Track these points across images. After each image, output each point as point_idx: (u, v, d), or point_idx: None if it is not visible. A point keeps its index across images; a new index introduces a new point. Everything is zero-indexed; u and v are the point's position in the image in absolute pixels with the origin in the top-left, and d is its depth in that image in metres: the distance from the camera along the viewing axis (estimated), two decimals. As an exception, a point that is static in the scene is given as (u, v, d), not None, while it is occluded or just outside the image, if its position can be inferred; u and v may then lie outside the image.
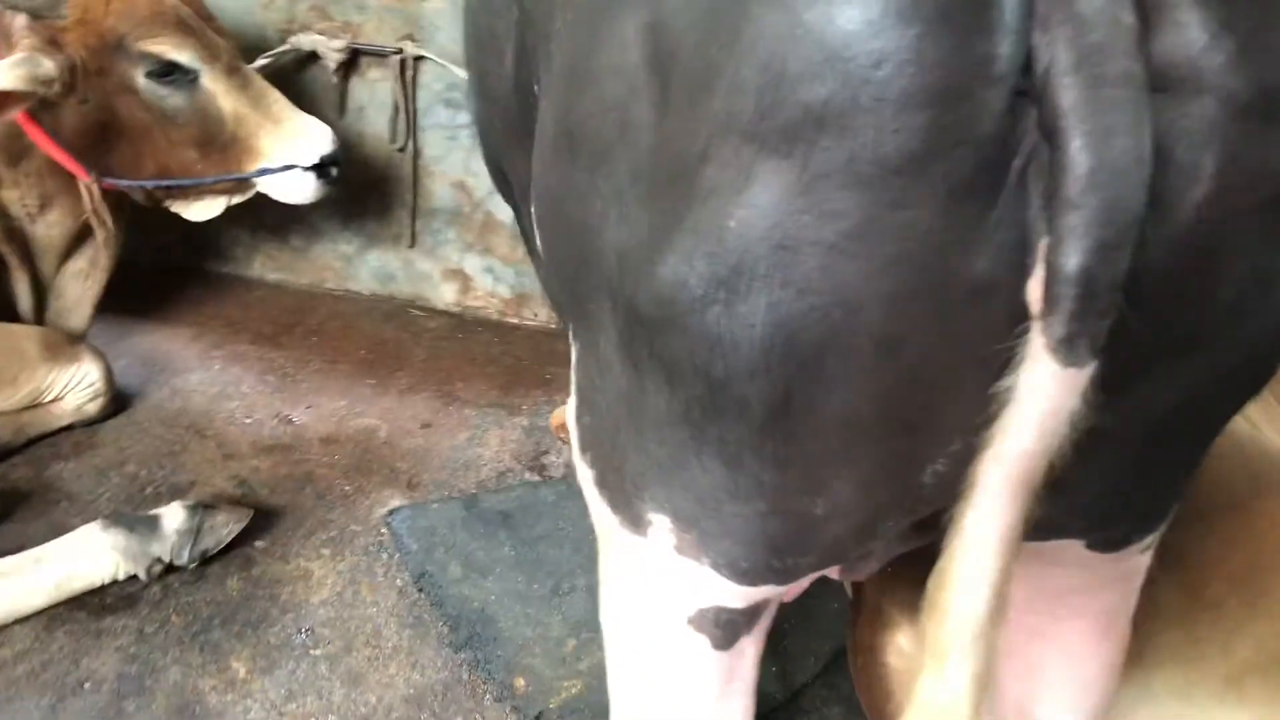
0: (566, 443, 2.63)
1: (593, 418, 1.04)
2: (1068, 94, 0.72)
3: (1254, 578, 1.50)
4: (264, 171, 2.38)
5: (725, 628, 1.04)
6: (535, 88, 1.12)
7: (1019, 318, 0.80)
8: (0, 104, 1.97)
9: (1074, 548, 1.07)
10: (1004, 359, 0.82)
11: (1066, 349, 0.76)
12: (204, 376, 2.75)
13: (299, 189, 2.43)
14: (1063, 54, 0.72)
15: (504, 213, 3.08)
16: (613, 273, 0.92)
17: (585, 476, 1.07)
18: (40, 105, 2.11)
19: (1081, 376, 0.78)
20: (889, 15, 0.72)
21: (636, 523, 1.01)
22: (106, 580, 1.95)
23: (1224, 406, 1.01)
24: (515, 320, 3.22)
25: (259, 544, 2.15)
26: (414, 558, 2.17)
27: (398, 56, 2.87)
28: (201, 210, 2.51)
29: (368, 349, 2.97)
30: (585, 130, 0.93)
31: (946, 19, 0.72)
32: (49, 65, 2.04)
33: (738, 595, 1.01)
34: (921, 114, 0.74)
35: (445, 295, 3.23)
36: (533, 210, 1.11)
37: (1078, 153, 0.72)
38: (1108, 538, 1.09)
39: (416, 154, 3.04)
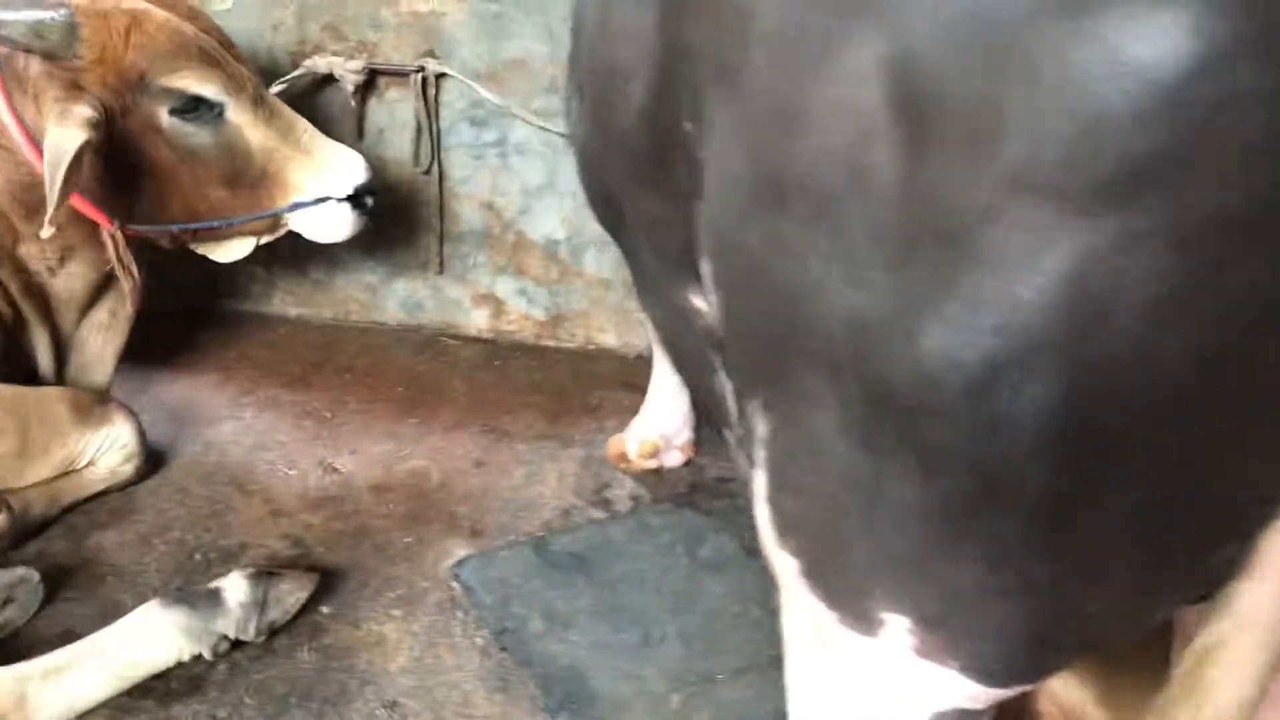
0: (627, 473, 2.50)
1: (798, 502, 0.91)
2: None
3: None
4: (296, 206, 2.23)
5: None
6: (688, 126, 0.98)
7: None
8: (79, 160, 1.83)
9: None
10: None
11: None
12: (237, 426, 2.60)
13: (334, 223, 2.29)
14: None
15: (536, 232, 2.95)
16: (839, 343, 0.79)
17: (786, 565, 0.95)
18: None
19: None
20: (1237, 46, 0.59)
21: (864, 621, 0.88)
22: (171, 664, 1.80)
23: None
24: (552, 343, 3.09)
25: (325, 609, 2.00)
26: (491, 612, 2.04)
27: (419, 75, 2.73)
28: (231, 251, 2.37)
29: (404, 384, 2.83)
30: (799, 179, 0.80)
31: None
32: (90, 110, 1.89)
33: (983, 697, 0.89)
34: (1272, 161, 0.62)
35: (477, 321, 3.09)
36: (703, 264, 0.98)
37: None
38: None
39: (441, 176, 2.90)
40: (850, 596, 0.88)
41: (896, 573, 0.84)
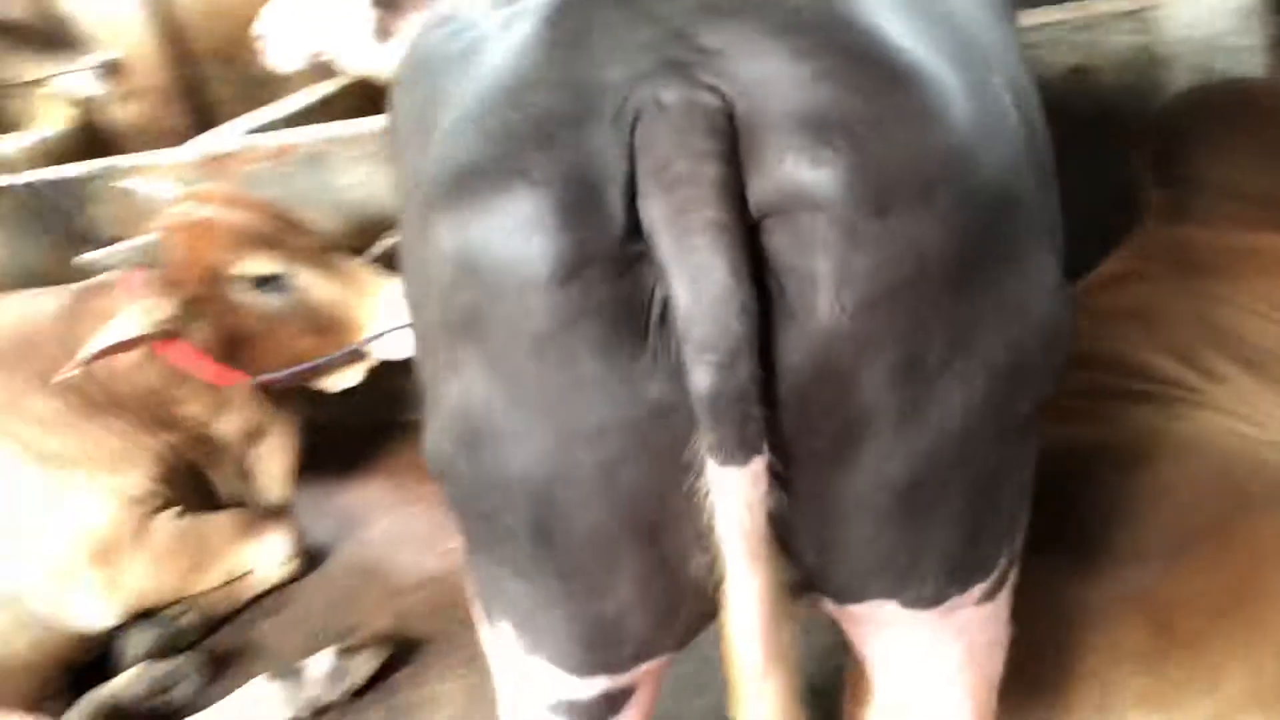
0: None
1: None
2: (662, 244, 0.87)
3: (1239, 608, 1.28)
4: (369, 340, 2.70)
5: (585, 713, 1.16)
6: None
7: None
8: (131, 346, 2.44)
9: (890, 608, 1.08)
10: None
11: (719, 451, 0.89)
12: (390, 524, 3.07)
13: (405, 344, 2.71)
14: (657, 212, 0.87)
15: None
16: None
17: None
18: (177, 334, 2.54)
19: (746, 471, 0.89)
20: None
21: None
22: (277, 726, 2.29)
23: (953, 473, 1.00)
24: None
25: (402, 672, 2.42)
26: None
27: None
28: (343, 380, 2.86)
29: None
30: None
31: None
32: (166, 306, 2.49)
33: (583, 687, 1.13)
34: None
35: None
36: None
37: (679, 293, 0.86)
38: (918, 595, 1.08)
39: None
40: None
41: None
